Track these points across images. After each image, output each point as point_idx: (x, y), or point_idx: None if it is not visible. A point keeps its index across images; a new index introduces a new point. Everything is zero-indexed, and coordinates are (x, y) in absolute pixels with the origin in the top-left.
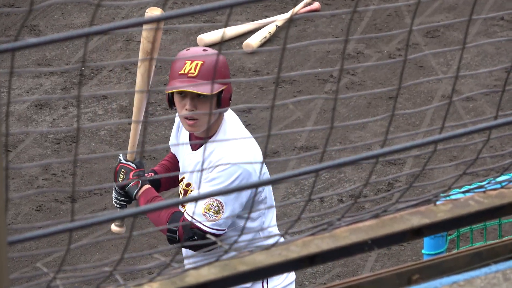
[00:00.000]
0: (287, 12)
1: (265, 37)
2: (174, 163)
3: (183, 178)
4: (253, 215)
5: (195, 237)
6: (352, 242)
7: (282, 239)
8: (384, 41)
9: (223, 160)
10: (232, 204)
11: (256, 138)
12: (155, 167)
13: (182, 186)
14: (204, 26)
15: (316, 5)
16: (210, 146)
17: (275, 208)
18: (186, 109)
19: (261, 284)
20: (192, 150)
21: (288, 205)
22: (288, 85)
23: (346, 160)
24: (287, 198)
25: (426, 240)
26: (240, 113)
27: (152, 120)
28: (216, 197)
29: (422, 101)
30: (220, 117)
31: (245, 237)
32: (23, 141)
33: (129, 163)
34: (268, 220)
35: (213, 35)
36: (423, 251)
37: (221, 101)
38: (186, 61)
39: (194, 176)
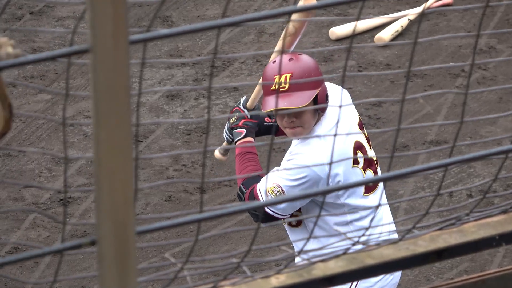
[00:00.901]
0: (419, 6)
1: (397, 30)
2: None
3: None
4: (336, 215)
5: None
6: (480, 237)
7: (395, 236)
8: None
9: (297, 156)
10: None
11: (386, 132)
12: None
13: None
14: (336, 19)
15: None
16: (295, 141)
17: (382, 208)
18: (285, 121)
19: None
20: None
21: (417, 199)
22: (419, 79)
23: (476, 155)
24: (416, 192)
25: None
26: (370, 106)
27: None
28: (281, 184)
29: None
30: (319, 116)
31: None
32: (154, 131)
33: (245, 110)
34: (375, 220)
35: (345, 28)
36: None
37: (318, 103)
38: (275, 76)
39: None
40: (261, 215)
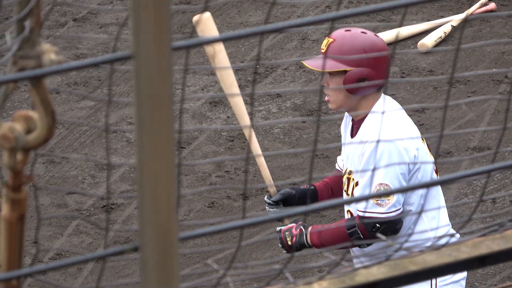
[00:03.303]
0: (462, 12)
1: (440, 37)
2: (336, 180)
3: (347, 168)
4: (412, 202)
5: (378, 225)
6: None
7: (454, 239)
8: None
9: (384, 146)
10: (397, 182)
11: (429, 138)
12: (316, 183)
13: (345, 175)
14: (379, 25)
15: (492, 5)
16: (362, 130)
17: (445, 208)
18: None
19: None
20: (351, 138)
21: (460, 206)
22: (462, 86)
23: None
24: (459, 199)
25: None
26: (413, 112)
27: (325, 119)
28: (382, 181)
29: None
30: (365, 102)
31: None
32: (197, 138)
33: (274, 205)
34: (440, 220)
35: (388, 35)
36: None
37: (346, 83)
38: (326, 38)
39: (355, 163)
40: (385, 226)
